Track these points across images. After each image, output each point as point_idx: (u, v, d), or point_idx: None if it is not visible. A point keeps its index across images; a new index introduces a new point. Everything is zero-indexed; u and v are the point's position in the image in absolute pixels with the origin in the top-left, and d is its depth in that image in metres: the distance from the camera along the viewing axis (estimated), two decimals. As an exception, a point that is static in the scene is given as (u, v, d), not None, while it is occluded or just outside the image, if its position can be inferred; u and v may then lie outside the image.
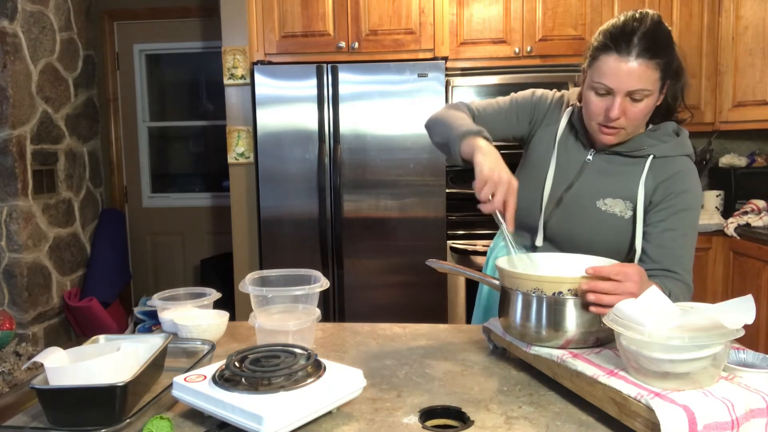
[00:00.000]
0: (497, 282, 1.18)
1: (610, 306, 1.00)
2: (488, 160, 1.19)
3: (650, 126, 1.35)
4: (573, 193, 1.38)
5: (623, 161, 1.35)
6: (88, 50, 3.91)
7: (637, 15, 1.23)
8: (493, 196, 1.17)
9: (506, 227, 1.18)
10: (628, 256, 1.35)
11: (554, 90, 1.49)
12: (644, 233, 1.31)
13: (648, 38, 1.20)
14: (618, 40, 1.21)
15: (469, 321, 3.03)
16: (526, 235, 1.44)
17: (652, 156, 1.32)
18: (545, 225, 1.41)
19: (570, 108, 1.42)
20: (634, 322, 0.90)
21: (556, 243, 1.41)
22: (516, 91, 1.50)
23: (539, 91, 1.48)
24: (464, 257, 3.08)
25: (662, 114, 1.34)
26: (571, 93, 1.45)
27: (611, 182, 1.35)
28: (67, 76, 3.67)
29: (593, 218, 1.35)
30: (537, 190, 1.40)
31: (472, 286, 3.05)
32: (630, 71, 1.20)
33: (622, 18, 1.24)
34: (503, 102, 1.48)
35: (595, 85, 1.26)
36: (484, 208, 1.18)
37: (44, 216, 3.41)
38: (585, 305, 1.03)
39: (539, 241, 1.41)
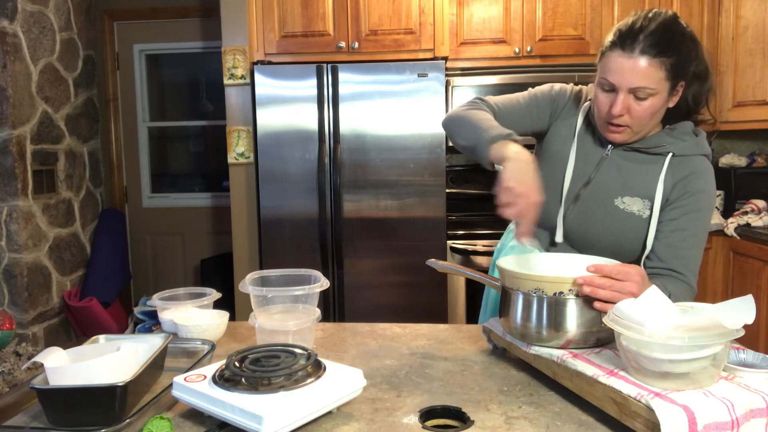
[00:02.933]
0: (498, 282, 1.18)
1: (607, 301, 1.00)
2: (516, 171, 1.14)
3: (667, 125, 1.34)
4: (591, 189, 1.37)
5: (642, 158, 1.34)
6: (88, 50, 3.91)
7: (650, 14, 1.23)
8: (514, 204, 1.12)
9: (516, 236, 1.14)
10: (641, 256, 1.34)
11: (571, 84, 1.48)
12: (655, 231, 1.31)
13: (655, 36, 1.19)
14: (625, 36, 1.21)
15: (469, 321, 3.04)
16: (542, 233, 1.43)
17: (671, 154, 1.31)
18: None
19: (588, 102, 1.40)
20: (634, 322, 0.90)
21: (572, 240, 1.40)
22: (516, 92, 1.49)
23: (558, 85, 1.46)
24: (464, 257, 3.08)
25: (681, 115, 1.33)
26: (590, 88, 1.43)
27: (630, 180, 1.34)
28: (67, 76, 3.67)
29: (611, 217, 1.34)
30: (556, 186, 1.39)
31: (472, 287, 3.06)
32: (633, 68, 1.20)
33: (635, 17, 1.24)
34: (522, 97, 1.46)
35: (601, 81, 1.27)
36: (501, 214, 1.15)
37: (44, 216, 3.41)
38: (586, 305, 1.03)
39: (559, 237, 1.39)
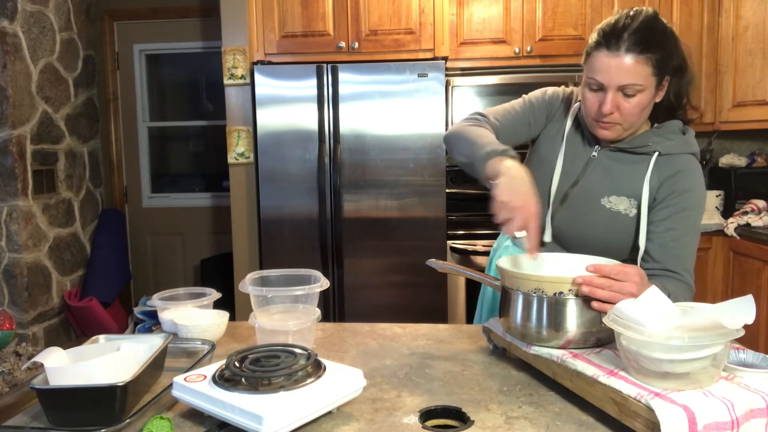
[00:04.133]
0: (498, 282, 1.18)
1: (605, 301, 1.01)
2: (510, 185, 1.14)
3: (655, 124, 1.35)
4: (578, 189, 1.39)
5: (628, 158, 1.35)
6: (88, 50, 3.91)
7: (632, 12, 1.25)
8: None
9: (529, 252, 1.14)
10: (631, 255, 1.35)
11: (563, 86, 1.49)
12: (647, 232, 1.31)
13: (639, 33, 1.21)
14: (609, 36, 1.23)
15: (468, 321, 3.04)
16: None
17: (657, 153, 1.32)
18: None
19: (577, 104, 1.42)
20: (634, 322, 0.90)
21: (561, 240, 1.41)
22: (516, 92, 1.50)
23: (550, 90, 1.48)
24: (464, 257, 3.08)
25: (665, 111, 1.34)
26: (579, 89, 1.45)
27: (616, 179, 1.35)
28: (67, 76, 3.67)
29: (598, 216, 1.36)
30: (544, 187, 1.40)
31: (472, 286, 3.06)
32: (619, 66, 1.22)
33: (616, 16, 1.26)
34: (519, 106, 1.47)
35: (588, 80, 1.28)
36: (504, 231, 1.15)
37: (44, 216, 3.41)
38: (586, 305, 1.04)
39: (548, 237, 1.41)
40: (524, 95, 1.49)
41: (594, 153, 1.39)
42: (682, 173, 1.31)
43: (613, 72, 1.22)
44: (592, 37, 1.27)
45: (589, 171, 1.38)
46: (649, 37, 1.22)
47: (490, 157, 1.23)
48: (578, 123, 1.42)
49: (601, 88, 1.26)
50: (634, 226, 1.33)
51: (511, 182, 1.15)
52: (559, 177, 1.40)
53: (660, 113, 1.34)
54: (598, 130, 1.32)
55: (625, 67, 1.22)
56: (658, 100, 1.30)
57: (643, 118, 1.32)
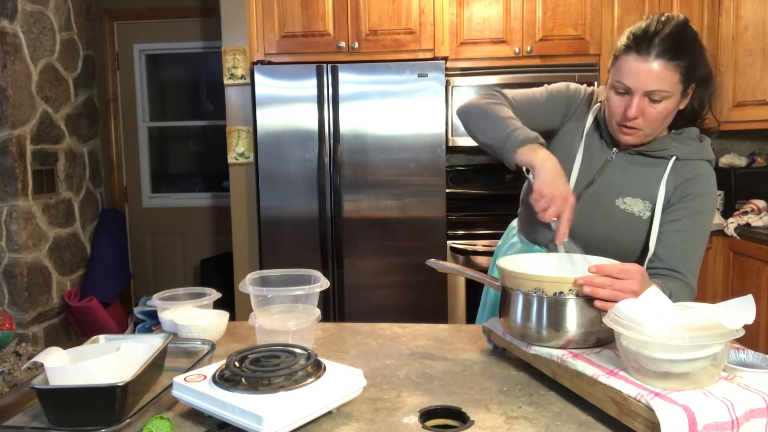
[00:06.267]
0: (498, 282, 1.18)
1: (608, 300, 1.01)
2: (548, 174, 1.21)
3: (673, 130, 1.35)
4: (593, 190, 1.38)
5: (645, 161, 1.35)
6: (88, 50, 3.91)
7: (663, 18, 1.24)
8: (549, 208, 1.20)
9: (556, 238, 1.21)
10: (641, 257, 1.35)
11: (585, 84, 1.48)
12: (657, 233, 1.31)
13: (670, 40, 1.21)
14: (640, 40, 1.22)
15: (469, 321, 3.04)
16: (547, 233, 1.44)
17: (675, 157, 1.32)
18: None
19: (597, 105, 1.41)
20: (634, 322, 0.90)
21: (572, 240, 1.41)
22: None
23: (573, 85, 1.47)
24: (464, 257, 3.08)
25: (687, 119, 1.34)
26: (601, 90, 1.44)
27: (632, 181, 1.35)
28: (67, 76, 3.67)
29: (611, 217, 1.36)
30: None
31: (472, 287, 3.06)
32: (648, 71, 1.21)
33: (647, 21, 1.25)
34: (539, 94, 1.46)
35: (615, 84, 1.27)
36: (540, 218, 1.22)
37: (44, 216, 3.41)
38: (586, 305, 1.03)
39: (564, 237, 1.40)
40: (546, 85, 1.48)
41: (612, 155, 1.38)
42: (698, 177, 1.32)
43: (641, 77, 1.22)
44: (622, 41, 1.27)
45: (606, 172, 1.38)
46: (680, 44, 1.22)
47: (523, 145, 1.25)
48: (597, 123, 1.41)
49: (627, 92, 1.25)
50: (646, 229, 1.33)
51: (549, 174, 1.21)
52: (576, 177, 1.39)
53: (680, 120, 1.34)
54: (621, 135, 1.32)
55: (654, 72, 1.21)
56: (681, 107, 1.29)
57: (666, 125, 1.31)
